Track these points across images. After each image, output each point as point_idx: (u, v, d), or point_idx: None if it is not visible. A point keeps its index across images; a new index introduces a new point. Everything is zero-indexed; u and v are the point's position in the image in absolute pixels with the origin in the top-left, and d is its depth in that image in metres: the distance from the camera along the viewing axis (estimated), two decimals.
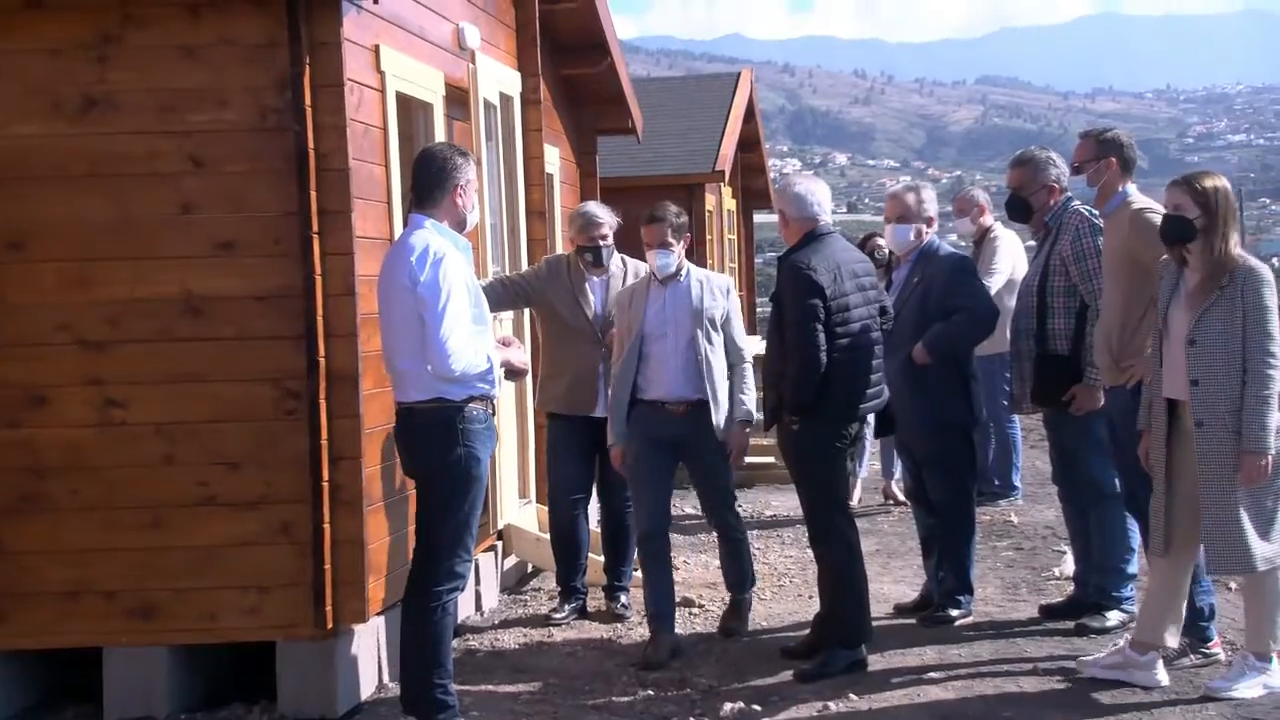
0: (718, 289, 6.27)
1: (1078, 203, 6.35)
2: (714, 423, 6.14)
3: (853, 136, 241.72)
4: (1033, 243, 6.61)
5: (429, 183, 5.05)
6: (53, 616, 5.42)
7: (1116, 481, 6.09)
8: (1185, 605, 5.46)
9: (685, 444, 6.20)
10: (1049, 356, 6.21)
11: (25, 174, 5.40)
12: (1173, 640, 5.44)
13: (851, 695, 5.46)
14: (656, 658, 5.97)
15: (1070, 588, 6.79)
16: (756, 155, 21.43)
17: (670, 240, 6.18)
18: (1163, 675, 5.40)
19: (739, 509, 6.61)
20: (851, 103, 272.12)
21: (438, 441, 4.94)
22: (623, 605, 6.87)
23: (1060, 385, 6.19)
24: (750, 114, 19.90)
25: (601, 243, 6.73)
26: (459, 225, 5.11)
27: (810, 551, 6.11)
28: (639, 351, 6.16)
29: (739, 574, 6.51)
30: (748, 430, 6.30)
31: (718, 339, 6.19)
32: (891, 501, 9.67)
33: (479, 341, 4.98)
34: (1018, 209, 6.41)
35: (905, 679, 5.67)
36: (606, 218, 6.77)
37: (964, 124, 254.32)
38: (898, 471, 9.49)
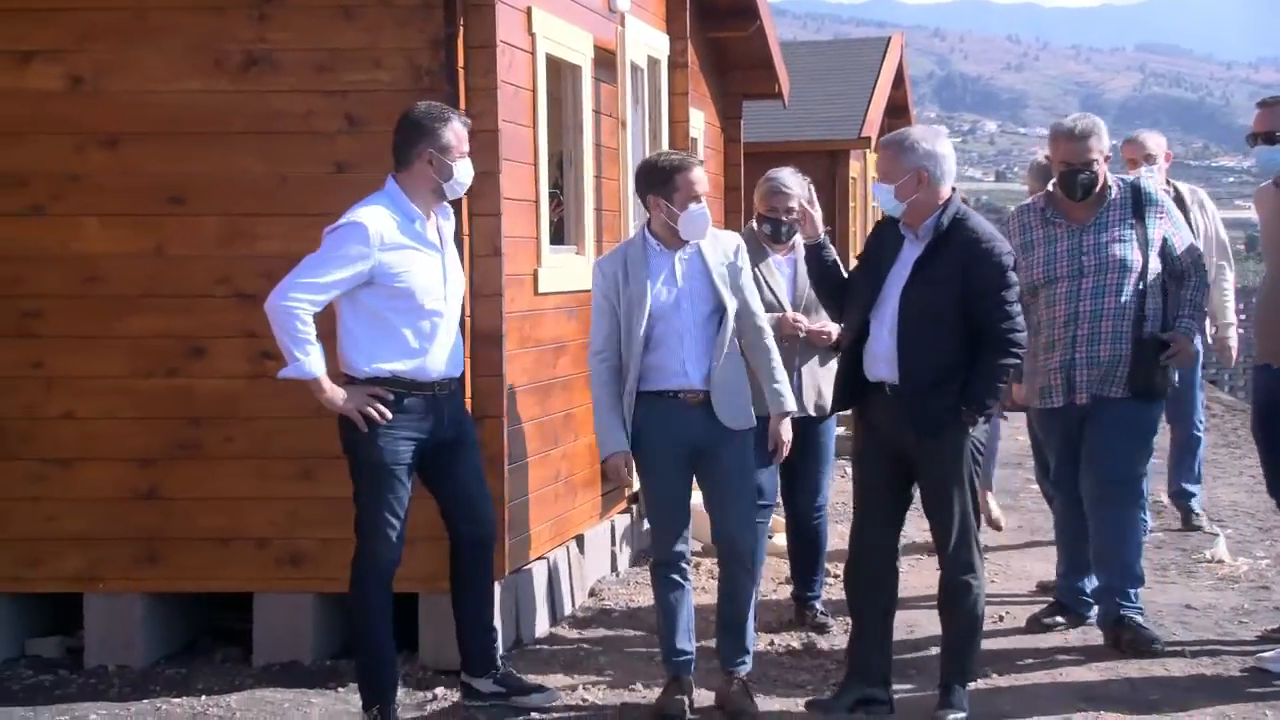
0: (729, 249, 5.15)
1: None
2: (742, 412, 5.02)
3: (1004, 103, 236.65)
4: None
5: (396, 143, 4.84)
6: (205, 561, 5.60)
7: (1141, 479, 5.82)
8: None
9: (703, 443, 5.00)
10: (1147, 339, 5.60)
11: (187, 129, 5.54)
12: None
13: (993, 674, 5.38)
14: (671, 709, 4.98)
15: (1222, 569, 6.61)
16: (904, 122, 21.08)
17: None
18: None
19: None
20: (1004, 68, 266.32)
21: (342, 421, 4.79)
22: (821, 613, 6.14)
23: (1156, 363, 5.65)
24: (899, 80, 19.61)
25: (785, 216, 5.81)
26: (437, 193, 4.85)
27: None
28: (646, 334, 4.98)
29: (738, 632, 5.05)
30: (788, 422, 5.21)
31: (734, 311, 5.06)
32: None
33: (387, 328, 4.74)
34: (1088, 185, 5.63)
35: (1047, 659, 5.57)
36: (796, 188, 5.80)
37: (1121, 92, 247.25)
38: None
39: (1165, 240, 5.67)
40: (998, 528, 7.73)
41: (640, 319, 4.95)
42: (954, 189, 4.93)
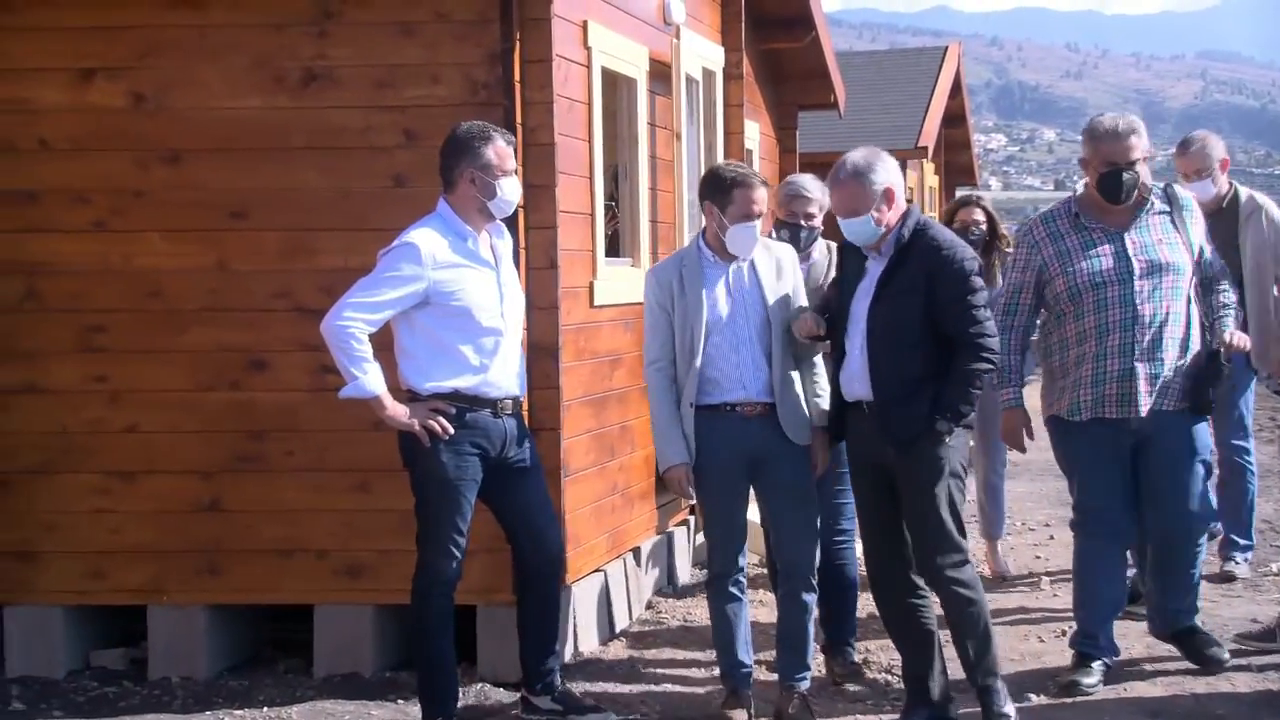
0: (783, 261, 5.10)
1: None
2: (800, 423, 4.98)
3: (1062, 111, 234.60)
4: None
5: (442, 164, 4.87)
6: (267, 573, 5.64)
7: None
8: None
9: (761, 458, 4.96)
10: (1206, 350, 5.37)
11: (248, 145, 5.60)
12: None
13: (1056, 689, 5.31)
14: None
15: None
16: (961, 131, 21.03)
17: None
18: None
19: None
20: (1063, 76, 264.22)
21: (403, 435, 4.82)
22: (851, 662, 5.60)
23: (1219, 374, 5.40)
24: (956, 88, 19.53)
25: (804, 221, 5.46)
26: (484, 212, 4.85)
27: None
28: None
29: (799, 647, 5.02)
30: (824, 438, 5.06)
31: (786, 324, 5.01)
32: None
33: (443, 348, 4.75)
34: (1132, 185, 5.31)
35: (1111, 673, 5.49)
36: (816, 194, 5.46)
37: (1182, 100, 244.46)
38: None
39: (1202, 246, 5.45)
40: (1004, 578, 7.11)
41: (698, 330, 4.92)
42: (910, 201, 4.85)
